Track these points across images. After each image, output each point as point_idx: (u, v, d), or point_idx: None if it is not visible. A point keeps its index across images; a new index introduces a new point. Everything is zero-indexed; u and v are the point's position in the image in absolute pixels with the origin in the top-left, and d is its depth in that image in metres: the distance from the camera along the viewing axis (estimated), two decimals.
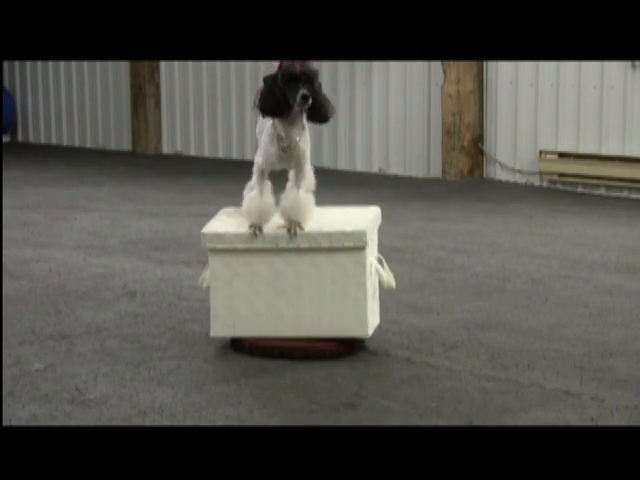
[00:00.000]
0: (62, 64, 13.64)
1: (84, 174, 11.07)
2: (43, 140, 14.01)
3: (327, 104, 4.68)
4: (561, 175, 9.97)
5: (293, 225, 4.70)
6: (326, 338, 4.76)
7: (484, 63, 10.45)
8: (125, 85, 13.13)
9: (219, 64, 12.25)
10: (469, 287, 6.08)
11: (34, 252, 7.00)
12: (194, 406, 4.17)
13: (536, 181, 10.23)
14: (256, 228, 4.73)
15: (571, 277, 6.32)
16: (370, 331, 4.78)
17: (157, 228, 7.89)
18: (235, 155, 12.21)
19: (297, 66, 4.53)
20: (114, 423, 3.99)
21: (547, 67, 9.99)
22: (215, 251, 4.78)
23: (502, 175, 10.49)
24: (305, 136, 4.72)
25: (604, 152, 9.75)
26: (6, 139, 13.95)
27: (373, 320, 4.83)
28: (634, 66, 9.52)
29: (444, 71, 10.48)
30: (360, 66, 11.14)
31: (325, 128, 11.50)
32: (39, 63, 13.89)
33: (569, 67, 9.86)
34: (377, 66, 10.96)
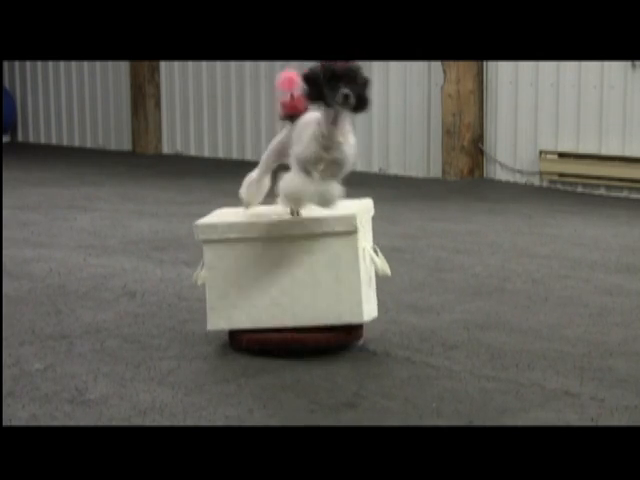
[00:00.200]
0: (62, 64, 13.65)
1: (84, 174, 11.08)
2: (43, 140, 14.02)
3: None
4: (561, 175, 9.97)
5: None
6: (323, 328, 4.76)
7: (484, 63, 10.45)
8: (125, 85, 13.14)
9: (219, 64, 12.26)
10: (469, 287, 6.08)
11: (34, 252, 7.00)
12: (194, 406, 4.17)
13: (536, 181, 10.23)
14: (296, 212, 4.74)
15: (571, 277, 6.32)
16: (366, 317, 4.77)
17: (157, 228, 7.89)
18: (235, 155, 12.21)
19: (338, 64, 4.33)
20: (114, 423, 3.99)
21: (547, 67, 10.00)
22: (209, 242, 4.80)
23: (502, 175, 10.49)
24: (349, 140, 4.51)
25: (604, 152, 9.76)
26: (6, 139, 13.95)
27: (369, 308, 4.83)
28: (634, 66, 9.53)
29: (444, 71, 10.48)
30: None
31: None
32: (39, 63, 13.90)
33: (569, 67, 9.86)
34: (377, 66, 10.97)
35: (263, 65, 11.90)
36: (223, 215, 5.00)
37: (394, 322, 5.28)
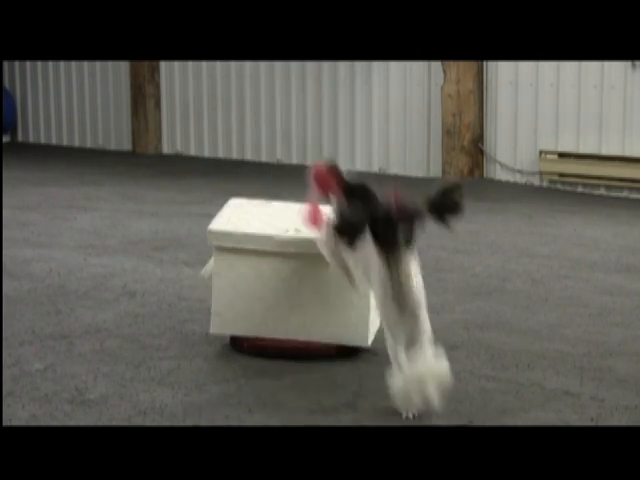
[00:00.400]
0: (62, 64, 13.63)
1: (84, 174, 11.07)
2: (43, 140, 14.01)
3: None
4: (561, 175, 9.97)
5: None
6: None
7: (484, 63, 10.45)
8: (125, 85, 13.13)
9: (219, 64, 12.25)
10: (469, 287, 6.08)
11: (34, 252, 7.00)
12: (194, 406, 4.17)
13: (536, 181, 10.23)
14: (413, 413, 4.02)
15: (571, 277, 6.32)
16: (370, 341, 4.76)
17: (157, 228, 7.89)
18: (235, 155, 12.20)
19: (393, 205, 3.93)
20: (114, 423, 3.99)
21: (547, 67, 9.99)
22: (221, 249, 4.74)
23: (502, 175, 10.49)
24: (416, 274, 4.09)
25: (604, 152, 9.75)
26: (6, 139, 13.94)
27: (373, 329, 4.83)
28: (634, 66, 9.53)
29: (444, 71, 10.48)
30: (360, 66, 11.14)
31: (325, 128, 11.53)
32: (39, 63, 13.88)
33: (569, 67, 9.86)
34: (377, 66, 10.96)
35: (263, 65, 11.90)
36: (237, 216, 4.89)
37: None
